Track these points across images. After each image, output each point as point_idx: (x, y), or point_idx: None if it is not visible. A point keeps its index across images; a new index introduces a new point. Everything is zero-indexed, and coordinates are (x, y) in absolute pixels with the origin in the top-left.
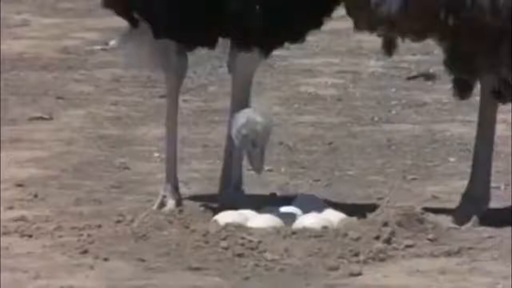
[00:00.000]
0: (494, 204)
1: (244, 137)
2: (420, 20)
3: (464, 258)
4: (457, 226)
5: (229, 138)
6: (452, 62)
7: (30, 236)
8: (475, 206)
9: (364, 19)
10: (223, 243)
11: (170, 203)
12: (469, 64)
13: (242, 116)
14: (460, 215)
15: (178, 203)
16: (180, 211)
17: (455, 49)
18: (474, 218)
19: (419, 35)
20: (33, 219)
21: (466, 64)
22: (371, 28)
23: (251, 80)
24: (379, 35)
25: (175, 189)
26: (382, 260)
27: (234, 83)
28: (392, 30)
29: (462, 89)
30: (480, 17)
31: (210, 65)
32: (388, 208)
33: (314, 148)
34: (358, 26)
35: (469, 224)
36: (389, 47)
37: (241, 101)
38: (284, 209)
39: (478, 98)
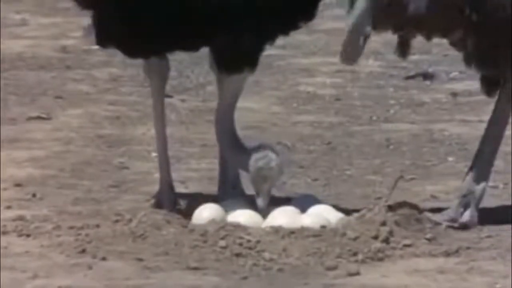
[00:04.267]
0: (492, 203)
1: (258, 169)
2: (445, 18)
3: (462, 258)
4: (452, 224)
5: (219, 141)
6: (477, 59)
7: (28, 235)
8: (469, 205)
9: (388, 20)
10: (222, 243)
11: (166, 203)
12: (494, 61)
13: (262, 150)
14: (453, 212)
15: (174, 203)
16: (178, 211)
17: (479, 46)
18: (471, 217)
19: (444, 33)
20: (31, 219)
21: (490, 61)
22: (396, 28)
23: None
24: (403, 36)
25: (170, 189)
26: (380, 259)
27: (223, 95)
28: (418, 29)
29: (488, 87)
30: (501, 12)
31: (207, 65)
32: (386, 207)
33: (313, 148)
34: (378, 28)
35: (462, 221)
36: (404, 48)
37: (229, 109)
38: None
39: (476, 98)
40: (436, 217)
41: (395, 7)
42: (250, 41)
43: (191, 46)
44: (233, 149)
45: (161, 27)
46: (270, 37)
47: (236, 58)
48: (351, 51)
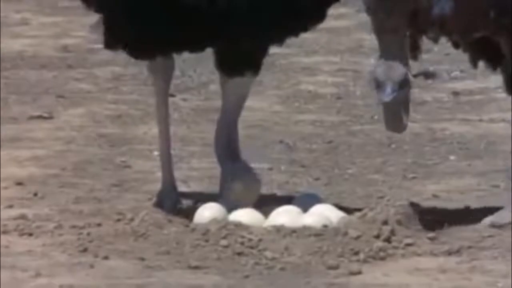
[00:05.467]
0: (493, 203)
1: (237, 191)
2: (470, 19)
3: (464, 257)
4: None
5: (215, 143)
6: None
7: (30, 234)
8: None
9: (412, 21)
10: (223, 242)
11: (168, 202)
12: None
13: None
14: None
15: (176, 202)
16: (180, 210)
17: (505, 46)
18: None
19: (467, 34)
20: (33, 218)
21: None
22: (420, 31)
23: (245, 99)
24: (428, 38)
25: (173, 188)
26: (382, 258)
27: (226, 98)
28: (442, 31)
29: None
30: None
31: (210, 64)
32: (388, 206)
33: (314, 147)
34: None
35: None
36: (416, 51)
37: (231, 113)
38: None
39: (477, 97)
40: (438, 216)
41: (420, 10)
42: (253, 43)
43: (196, 46)
44: (225, 155)
45: (167, 28)
46: (275, 40)
47: (238, 60)
48: (396, 124)
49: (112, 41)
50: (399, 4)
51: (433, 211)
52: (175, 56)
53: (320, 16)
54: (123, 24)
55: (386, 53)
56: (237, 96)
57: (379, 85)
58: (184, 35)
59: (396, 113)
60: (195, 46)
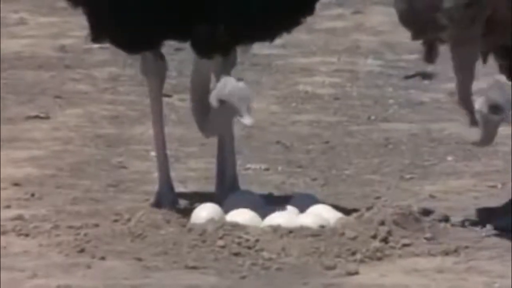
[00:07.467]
0: (490, 203)
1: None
2: None
3: (461, 257)
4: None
5: (220, 136)
6: None
7: (27, 235)
8: None
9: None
10: (220, 242)
11: (165, 202)
12: None
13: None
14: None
15: (173, 202)
16: (177, 210)
17: None
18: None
19: None
20: (30, 218)
21: None
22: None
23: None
24: (430, 41)
25: (170, 188)
26: (379, 259)
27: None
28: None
29: None
30: None
31: None
32: (385, 207)
33: (311, 147)
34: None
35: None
36: (431, 53)
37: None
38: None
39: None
40: (435, 217)
41: (498, 18)
42: (228, 32)
43: (178, 35)
44: (198, 109)
45: (149, 17)
46: (264, 32)
47: (213, 46)
48: (492, 139)
49: (97, 33)
50: (480, 12)
51: (430, 211)
52: (169, 57)
53: (309, 8)
54: (105, 15)
55: (463, 68)
56: (200, 71)
57: (500, 108)
58: (166, 24)
59: (495, 130)
60: (177, 35)
